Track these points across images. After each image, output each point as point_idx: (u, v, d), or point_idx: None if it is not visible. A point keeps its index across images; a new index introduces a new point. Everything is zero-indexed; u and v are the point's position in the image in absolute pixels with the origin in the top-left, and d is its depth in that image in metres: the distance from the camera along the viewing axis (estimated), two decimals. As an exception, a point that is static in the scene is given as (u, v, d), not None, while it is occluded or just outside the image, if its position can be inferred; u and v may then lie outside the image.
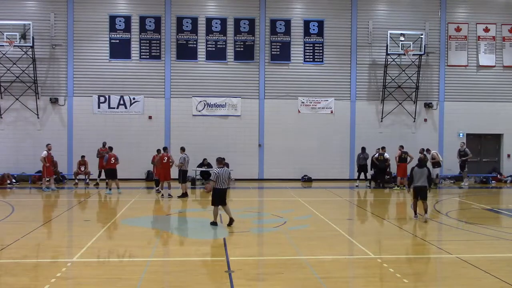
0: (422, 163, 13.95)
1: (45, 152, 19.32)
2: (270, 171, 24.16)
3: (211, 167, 21.22)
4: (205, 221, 12.64)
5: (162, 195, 17.96)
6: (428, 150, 21.77)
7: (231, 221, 12.29)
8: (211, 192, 12.34)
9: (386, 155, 21.47)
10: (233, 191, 20.33)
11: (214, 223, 12.36)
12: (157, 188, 18.97)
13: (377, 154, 21.57)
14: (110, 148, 19.60)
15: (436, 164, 21.48)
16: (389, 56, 24.01)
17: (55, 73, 23.40)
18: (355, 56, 24.49)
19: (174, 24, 23.76)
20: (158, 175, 18.80)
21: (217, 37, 23.97)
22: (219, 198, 12.27)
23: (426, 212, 13.60)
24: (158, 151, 19.16)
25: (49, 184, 19.49)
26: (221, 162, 12.80)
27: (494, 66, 25.08)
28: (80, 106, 23.40)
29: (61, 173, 22.32)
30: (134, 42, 23.65)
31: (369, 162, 22.00)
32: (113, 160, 18.89)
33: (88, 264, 8.97)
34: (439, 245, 10.68)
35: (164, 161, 18.15)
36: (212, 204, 12.43)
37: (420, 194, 13.55)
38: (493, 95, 25.01)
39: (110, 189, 18.72)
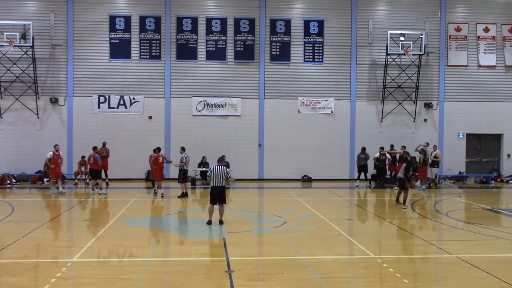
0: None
1: (50, 153, 18.89)
2: (270, 171, 24.16)
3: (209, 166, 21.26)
4: (205, 221, 12.63)
5: (162, 194, 18.01)
6: (435, 147, 21.90)
7: (219, 222, 12.41)
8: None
9: (388, 155, 21.49)
10: (233, 191, 20.33)
11: (209, 222, 12.44)
12: (155, 188, 19.06)
13: (378, 154, 21.59)
14: (94, 148, 19.55)
15: (436, 163, 21.49)
16: (389, 56, 24.01)
17: (55, 73, 23.40)
18: (355, 56, 24.49)
19: (174, 24, 23.76)
20: (153, 176, 18.85)
21: (217, 37, 23.97)
22: (213, 195, 12.38)
23: (404, 202, 15.66)
24: (155, 150, 19.17)
25: (49, 184, 19.33)
26: (220, 160, 12.86)
27: (494, 66, 25.08)
28: (80, 106, 23.40)
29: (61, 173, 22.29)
30: (134, 42, 23.65)
31: (370, 162, 22.00)
32: (92, 160, 18.87)
33: (88, 264, 8.97)
34: (439, 245, 10.68)
35: (159, 161, 18.29)
36: (210, 202, 12.54)
37: (399, 184, 16.24)
38: (493, 95, 25.01)
39: (101, 188, 18.71)
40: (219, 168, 12.36)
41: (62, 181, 19.66)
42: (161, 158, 18.34)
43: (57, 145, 19.49)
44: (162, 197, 17.82)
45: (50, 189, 19.14)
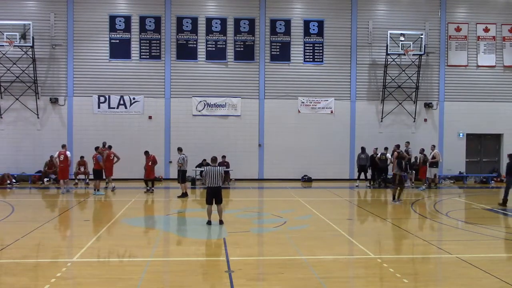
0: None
1: (68, 152, 19.62)
2: (270, 171, 24.16)
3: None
4: (205, 221, 12.64)
5: (113, 188, 19.60)
6: (433, 147, 21.88)
7: (219, 222, 12.43)
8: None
9: (388, 155, 21.50)
10: (233, 191, 20.34)
11: (208, 222, 12.44)
12: (149, 187, 19.22)
13: (379, 153, 21.60)
14: (96, 148, 19.63)
15: (435, 163, 21.49)
16: (389, 56, 24.01)
17: (55, 73, 23.40)
18: (355, 56, 24.49)
19: (174, 24, 23.76)
20: (107, 173, 19.77)
21: (217, 37, 23.97)
22: (209, 196, 12.42)
23: (398, 196, 16.66)
24: (109, 147, 20.20)
25: (63, 184, 19.33)
26: (213, 161, 12.85)
27: (494, 66, 25.08)
28: (80, 106, 23.41)
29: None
30: (134, 42, 23.65)
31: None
32: (94, 160, 18.94)
33: (88, 264, 8.98)
34: (439, 245, 10.68)
35: (111, 158, 19.79)
36: (206, 203, 12.55)
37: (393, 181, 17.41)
38: (493, 95, 25.01)
39: (98, 190, 18.62)
40: (213, 168, 12.35)
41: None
42: (112, 155, 19.71)
43: (65, 144, 20.18)
44: (113, 190, 19.37)
45: (61, 189, 19.05)
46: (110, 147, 20.30)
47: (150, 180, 19.51)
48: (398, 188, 16.78)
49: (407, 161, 20.15)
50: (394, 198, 16.76)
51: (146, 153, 19.80)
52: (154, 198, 18.01)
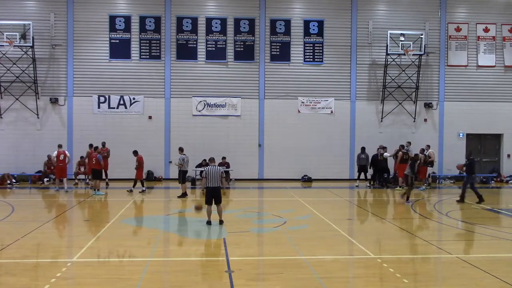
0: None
1: (67, 151, 20.27)
2: (270, 171, 24.15)
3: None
4: (205, 221, 12.64)
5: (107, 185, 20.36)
6: (428, 146, 21.88)
7: (219, 223, 12.45)
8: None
9: (386, 154, 21.50)
10: (233, 191, 20.33)
11: (208, 222, 12.45)
12: (144, 188, 19.10)
13: (379, 153, 21.62)
14: (95, 148, 19.54)
15: (430, 163, 21.49)
16: (389, 56, 24.00)
17: (55, 73, 23.40)
18: (355, 56, 24.48)
19: (174, 24, 23.76)
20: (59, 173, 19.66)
21: (217, 37, 23.97)
22: (209, 196, 12.46)
23: (407, 198, 16.77)
24: (91, 145, 19.78)
25: (62, 184, 19.47)
26: (211, 161, 12.96)
27: (494, 66, 25.08)
28: (80, 106, 23.40)
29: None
30: (134, 42, 23.64)
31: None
32: (94, 161, 18.75)
33: (88, 264, 8.98)
34: (439, 245, 10.68)
35: (60, 159, 19.39)
36: (205, 203, 12.57)
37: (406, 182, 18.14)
38: (493, 95, 25.00)
39: (98, 190, 18.57)
40: (213, 168, 12.37)
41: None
42: (62, 156, 19.47)
43: (62, 144, 20.37)
44: (107, 187, 20.06)
45: (64, 188, 19.12)
46: (90, 147, 19.97)
47: (133, 180, 19.21)
48: (409, 188, 17.07)
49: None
50: (407, 199, 16.81)
51: (135, 152, 19.44)
52: (153, 198, 17.99)
